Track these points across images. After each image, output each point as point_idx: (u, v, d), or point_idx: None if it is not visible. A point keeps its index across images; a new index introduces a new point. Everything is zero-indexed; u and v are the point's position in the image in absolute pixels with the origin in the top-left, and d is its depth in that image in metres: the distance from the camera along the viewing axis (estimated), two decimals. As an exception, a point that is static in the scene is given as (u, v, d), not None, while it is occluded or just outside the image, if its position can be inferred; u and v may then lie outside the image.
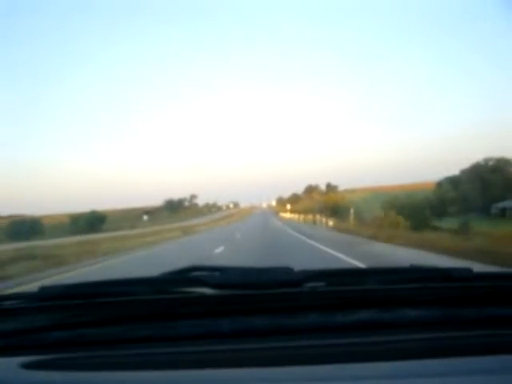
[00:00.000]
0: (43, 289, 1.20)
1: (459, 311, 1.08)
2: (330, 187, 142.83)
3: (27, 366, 0.96)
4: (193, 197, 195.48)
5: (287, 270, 1.18)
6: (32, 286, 9.27)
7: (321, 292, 1.14)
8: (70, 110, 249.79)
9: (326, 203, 56.68)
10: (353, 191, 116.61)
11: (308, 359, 0.93)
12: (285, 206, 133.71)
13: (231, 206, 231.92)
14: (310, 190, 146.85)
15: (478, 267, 7.36)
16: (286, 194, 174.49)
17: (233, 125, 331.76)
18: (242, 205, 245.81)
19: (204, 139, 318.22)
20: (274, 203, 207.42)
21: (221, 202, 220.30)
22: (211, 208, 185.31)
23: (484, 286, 1.16)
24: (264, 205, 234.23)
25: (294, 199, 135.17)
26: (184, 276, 1.25)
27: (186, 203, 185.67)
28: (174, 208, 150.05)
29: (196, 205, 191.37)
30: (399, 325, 1.05)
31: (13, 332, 1.10)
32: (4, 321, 1.14)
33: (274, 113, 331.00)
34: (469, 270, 1.18)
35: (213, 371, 0.92)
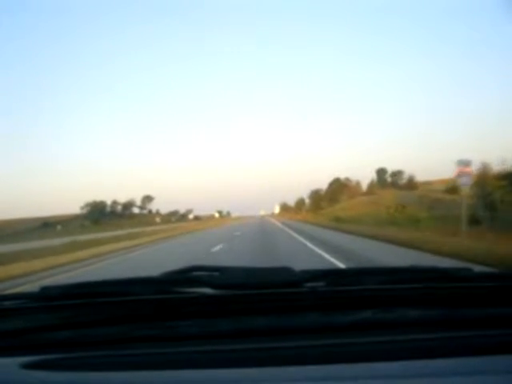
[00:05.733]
0: (44, 289, 1.19)
1: (459, 311, 1.07)
2: (383, 174, 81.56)
3: (28, 366, 0.96)
4: (147, 199, 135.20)
5: (288, 270, 1.18)
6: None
7: (321, 292, 1.14)
8: None
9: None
10: (429, 183, 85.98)
11: (308, 359, 0.93)
12: (295, 210, 72.49)
13: (216, 215, 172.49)
14: (345, 185, 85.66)
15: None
16: (291, 201, 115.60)
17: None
18: (234, 215, 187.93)
19: (203, 139, 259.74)
20: (277, 210, 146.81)
21: (195, 211, 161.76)
22: (162, 217, 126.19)
23: (484, 286, 1.15)
24: (262, 212, 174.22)
25: (324, 198, 74.19)
26: (185, 276, 1.24)
27: (135, 209, 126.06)
28: (100, 216, 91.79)
29: (157, 212, 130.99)
30: (399, 325, 1.05)
31: (14, 332, 1.09)
32: (5, 321, 1.13)
33: (271, 109, 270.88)
34: (469, 270, 1.18)
35: (213, 371, 0.92)
